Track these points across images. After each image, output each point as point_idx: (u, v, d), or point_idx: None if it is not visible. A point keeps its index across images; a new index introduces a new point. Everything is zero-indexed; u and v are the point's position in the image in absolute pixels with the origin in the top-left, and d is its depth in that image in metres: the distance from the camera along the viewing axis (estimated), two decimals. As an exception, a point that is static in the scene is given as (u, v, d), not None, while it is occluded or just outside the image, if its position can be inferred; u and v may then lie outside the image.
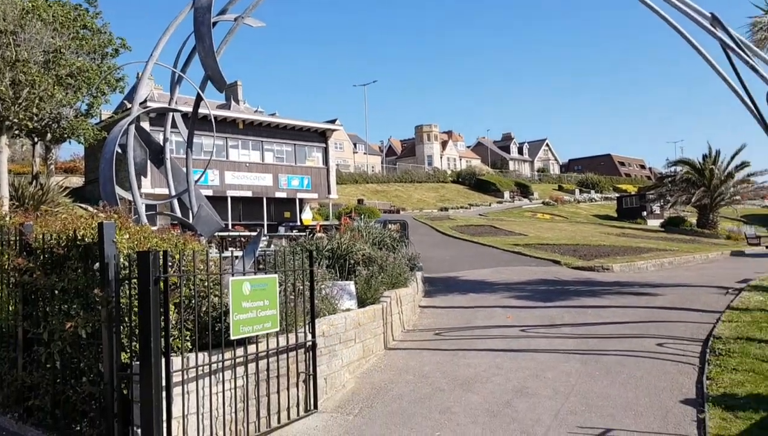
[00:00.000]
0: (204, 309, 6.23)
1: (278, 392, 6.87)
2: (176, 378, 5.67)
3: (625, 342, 9.79)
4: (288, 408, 6.99)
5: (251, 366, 6.54)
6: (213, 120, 9.75)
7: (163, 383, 5.44)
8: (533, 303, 13.14)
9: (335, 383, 8.10)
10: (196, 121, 9.84)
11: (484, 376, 8.29)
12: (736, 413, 6.53)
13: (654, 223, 54.05)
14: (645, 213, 58.62)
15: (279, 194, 40.30)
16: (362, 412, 7.27)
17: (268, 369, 6.76)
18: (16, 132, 21.92)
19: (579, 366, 8.56)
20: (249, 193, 38.98)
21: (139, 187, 8.92)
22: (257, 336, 6.65)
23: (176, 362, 5.68)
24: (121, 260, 5.82)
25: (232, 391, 6.25)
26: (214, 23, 9.48)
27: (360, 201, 57.11)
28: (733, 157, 47.33)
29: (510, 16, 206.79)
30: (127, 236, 6.25)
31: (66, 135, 26.13)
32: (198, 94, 9.06)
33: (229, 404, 6.22)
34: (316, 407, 7.39)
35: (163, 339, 5.50)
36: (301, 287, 7.62)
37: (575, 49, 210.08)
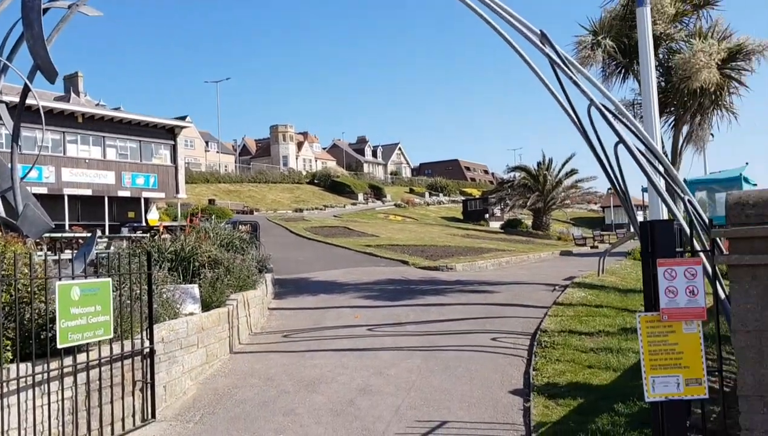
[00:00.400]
0: (28, 316, 5.79)
1: (112, 402, 6.54)
2: (-8, 393, 5.22)
3: (463, 338, 10.34)
4: (123, 418, 6.66)
5: (82, 376, 6.16)
6: (42, 112, 9.02)
7: (-24, 399, 4.99)
8: (381, 303, 13.49)
9: (176, 390, 7.82)
10: (26, 114, 9.05)
11: (329, 376, 8.40)
12: (557, 400, 7.14)
13: (495, 225, 57.52)
14: (487, 215, 62.29)
15: (122, 193, 38.05)
16: (203, 419, 7.09)
17: (100, 379, 6.40)
18: None
19: (420, 362, 8.92)
20: (89, 192, 36.43)
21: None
22: (88, 344, 6.28)
23: (-8, 375, 5.23)
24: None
25: (59, 403, 5.85)
26: (46, 9, 8.81)
27: (211, 201, 55.43)
28: (563, 165, 51.52)
29: (358, 23, 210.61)
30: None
31: None
32: (25, 84, 8.34)
33: (57, 417, 5.82)
34: (154, 416, 7.10)
35: (-24, 351, 5.04)
36: (139, 292, 7.29)
37: (427, 58, 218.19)
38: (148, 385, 7.11)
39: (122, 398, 6.69)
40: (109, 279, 6.59)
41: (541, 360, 8.73)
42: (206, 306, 9.64)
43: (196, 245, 10.90)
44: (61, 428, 5.82)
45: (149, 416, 7.08)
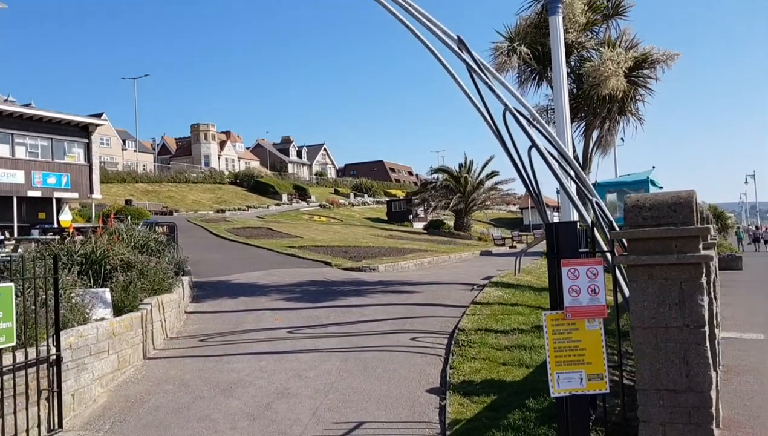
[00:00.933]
0: None
1: (15, 413, 6.23)
2: None
3: (383, 338, 10.43)
4: (27, 430, 6.36)
5: (-21, 387, 5.85)
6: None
7: None
8: (302, 305, 13.42)
9: (84, 398, 7.54)
10: None
11: (247, 380, 8.29)
12: (472, 398, 7.32)
13: (419, 225, 58.25)
14: (411, 216, 62.99)
15: (32, 193, 36.15)
16: (113, 427, 6.87)
17: (1, 389, 6.08)
18: None
19: (339, 364, 8.94)
20: (-6, 191, 34.47)
21: None
22: (-13, 353, 5.97)
23: None
24: None
25: (-46, 416, 5.53)
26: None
27: (128, 202, 53.55)
28: (483, 167, 52.67)
29: (283, 22, 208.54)
30: None
31: None
32: None
33: (-50, 431, 5.50)
34: (61, 426, 6.83)
35: None
36: (45, 297, 6.98)
37: (353, 59, 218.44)
38: (55, 394, 6.82)
39: (26, 409, 6.39)
40: (11, 284, 6.28)
41: (458, 359, 8.93)
42: (118, 311, 9.33)
43: (108, 248, 10.52)
44: (-45, 443, 5.51)
45: (56, 426, 6.79)
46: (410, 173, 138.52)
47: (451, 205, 51.41)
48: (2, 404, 6.08)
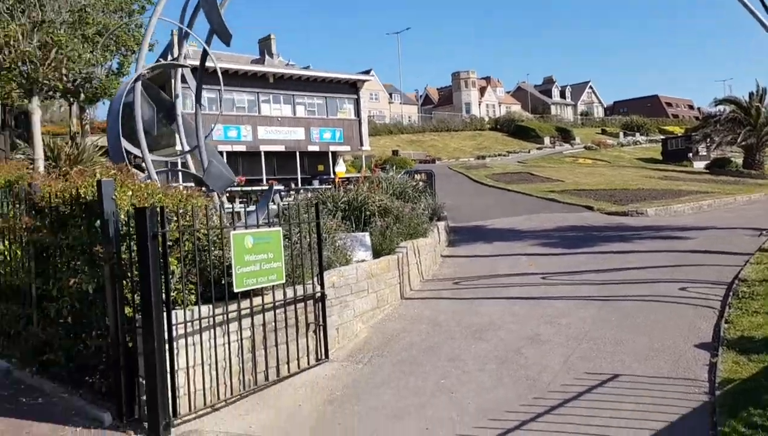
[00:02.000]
0: (209, 264, 6.32)
1: (287, 342, 6.97)
2: (181, 330, 5.80)
3: (647, 287, 9.59)
4: (298, 358, 7.09)
5: (258, 318, 6.62)
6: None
7: (165, 336, 5.56)
8: (559, 250, 12.95)
9: (347, 333, 8.17)
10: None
11: (498, 324, 8.25)
12: (750, 356, 6.37)
13: (699, 165, 52.36)
14: (690, 155, 56.76)
15: (311, 148, 40.28)
16: (372, 361, 7.34)
17: (275, 320, 6.84)
18: (48, 93, 22.29)
19: (595, 312, 8.43)
20: (282, 148, 39.08)
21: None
22: (263, 288, 6.72)
23: (179, 315, 5.79)
24: (122, 216, 5.90)
25: (239, 342, 6.36)
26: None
27: (395, 152, 56.77)
28: (781, 95, 45.19)
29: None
30: (130, 193, 6.32)
31: (99, 94, 26.47)
32: (204, 49, 9.01)
33: (237, 354, 6.34)
34: (327, 356, 7.49)
35: (163, 293, 5.60)
36: (309, 240, 7.65)
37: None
38: (320, 327, 7.49)
39: (296, 339, 7.11)
40: (279, 228, 6.96)
41: (736, 312, 7.83)
42: (377, 254, 9.90)
43: (367, 195, 11.19)
44: (241, 365, 6.34)
45: (323, 356, 7.48)
46: (690, 107, 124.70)
47: (738, 140, 45.19)
48: (276, 334, 6.84)
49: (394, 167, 25.76)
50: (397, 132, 69.96)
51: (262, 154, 38.22)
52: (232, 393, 6.25)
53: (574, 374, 6.41)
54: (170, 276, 5.87)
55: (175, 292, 5.90)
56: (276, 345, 6.82)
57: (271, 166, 39.07)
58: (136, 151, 8.50)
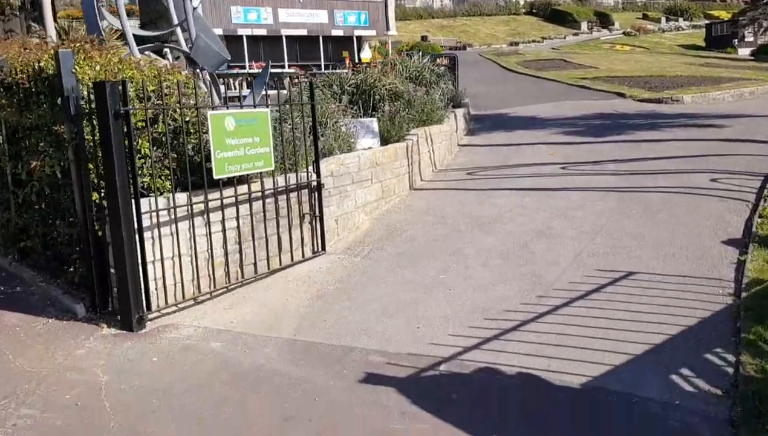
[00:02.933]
0: (189, 147, 5.80)
1: (278, 234, 6.53)
2: (155, 219, 5.36)
3: (674, 178, 8.86)
4: (291, 250, 6.67)
5: (244, 207, 6.15)
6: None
7: (135, 225, 5.13)
8: (583, 139, 12.13)
9: (348, 225, 7.71)
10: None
11: (507, 216, 7.69)
12: (783, 255, 5.75)
13: (745, 52, 49.31)
14: (735, 41, 53.38)
15: (335, 32, 38.56)
16: (371, 254, 6.90)
17: (264, 211, 6.37)
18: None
19: (615, 204, 7.79)
20: (304, 32, 37.49)
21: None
22: (249, 176, 6.21)
23: (151, 202, 5.34)
24: (85, 93, 5.32)
25: (222, 233, 5.92)
26: None
27: (424, 38, 54.47)
28: None
29: None
30: (98, 68, 5.69)
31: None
32: None
33: (221, 246, 5.93)
34: (324, 248, 7.06)
35: (131, 178, 5.11)
36: (302, 124, 7.03)
37: None
38: (317, 218, 7.02)
39: (289, 230, 6.66)
40: (267, 110, 6.33)
41: (772, 206, 7.13)
42: (385, 141, 9.26)
43: (378, 78, 10.38)
44: (224, 257, 5.93)
45: (319, 248, 7.05)
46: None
47: (789, 23, 42.13)
48: (266, 224, 6.38)
49: (421, 53, 24.57)
50: (427, 16, 67.04)
51: (284, 38, 36.79)
52: (215, 286, 5.89)
53: (583, 271, 5.90)
54: (145, 160, 5.37)
55: (149, 178, 5.42)
56: (265, 237, 6.39)
57: (293, 52, 37.68)
58: (116, 23, 7.81)
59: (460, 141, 12.58)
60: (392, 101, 9.93)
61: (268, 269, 6.41)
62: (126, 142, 5.06)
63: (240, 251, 6.15)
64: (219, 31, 35.09)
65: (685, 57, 43.30)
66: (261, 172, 6.27)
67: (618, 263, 6.05)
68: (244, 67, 34.23)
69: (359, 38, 39.66)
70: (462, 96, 14.73)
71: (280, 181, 6.54)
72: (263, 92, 8.13)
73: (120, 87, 5.05)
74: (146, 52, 7.91)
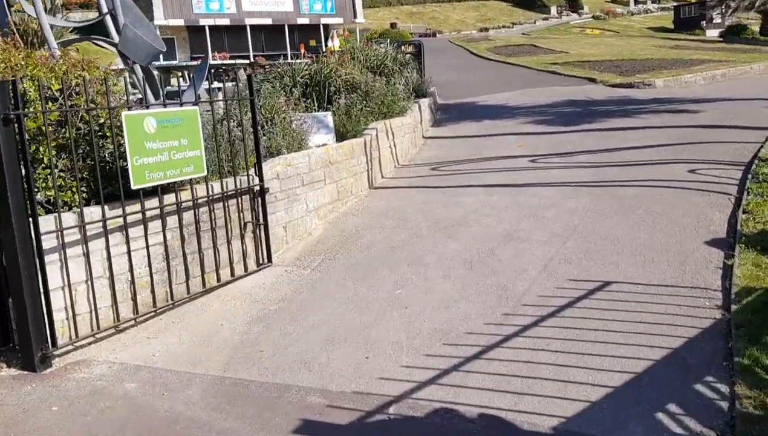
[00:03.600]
0: (106, 153, 5.07)
1: (214, 247, 5.82)
2: (58, 240, 4.62)
3: (650, 170, 8.30)
4: (231, 264, 5.97)
5: (172, 219, 5.43)
6: None
7: (34, 247, 4.38)
8: (553, 128, 11.54)
9: (298, 231, 7.01)
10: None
11: (472, 218, 7.05)
12: (774, 257, 5.20)
13: (713, 33, 49.34)
14: (704, 23, 53.42)
15: (301, 20, 37.57)
16: (321, 265, 6.22)
17: (196, 222, 5.65)
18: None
19: (588, 201, 7.20)
20: (269, 21, 36.49)
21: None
22: (176, 184, 5.48)
23: (56, 220, 4.59)
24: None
25: (146, 250, 5.18)
26: None
27: (393, 25, 53.74)
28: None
29: None
30: (-6, 66, 4.92)
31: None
32: None
33: (145, 265, 5.19)
34: (270, 260, 6.36)
35: (26, 193, 4.36)
36: (242, 122, 6.30)
37: None
38: (261, 227, 6.31)
39: (228, 243, 5.96)
40: (195, 108, 5.60)
41: (756, 199, 6.60)
42: (341, 136, 8.57)
43: (334, 68, 9.66)
44: (149, 278, 5.20)
45: (265, 260, 6.36)
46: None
47: (756, 4, 42.03)
48: (199, 237, 5.67)
49: (388, 41, 23.82)
50: (396, 3, 66.13)
51: (248, 28, 35.72)
52: (138, 312, 5.16)
53: (555, 282, 5.29)
54: (51, 171, 4.62)
55: (54, 191, 4.67)
56: (200, 251, 5.67)
57: (258, 42, 36.64)
58: (31, 11, 6.99)
59: (426, 133, 11.92)
60: (349, 93, 9.22)
61: (204, 287, 5.69)
62: (20, 151, 4.31)
63: (168, 269, 5.43)
64: (180, 22, 34.10)
65: (655, 39, 43.10)
66: (191, 179, 5.54)
67: (593, 270, 5.45)
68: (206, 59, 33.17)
69: (326, 26, 38.71)
70: (428, 85, 14.08)
71: (216, 187, 5.83)
72: (204, 86, 7.39)
73: (10, 87, 4.29)
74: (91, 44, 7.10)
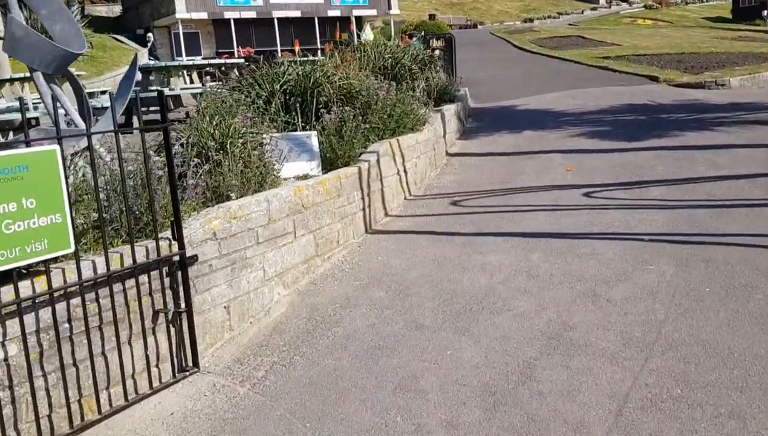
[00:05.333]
0: None
1: (103, 354, 3.78)
2: None
3: (759, 215, 5.94)
4: (133, 376, 3.93)
5: (27, 318, 3.39)
6: None
7: None
8: (611, 144, 9.16)
9: (251, 309, 4.89)
10: None
11: (501, 295, 4.82)
12: None
13: (778, 23, 45.51)
14: (765, 12, 49.47)
15: (332, 12, 35.57)
16: (268, 378, 4.11)
17: (69, 320, 3.61)
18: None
19: (674, 273, 4.89)
20: (298, 14, 34.57)
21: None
22: (29, 267, 3.45)
23: None
24: None
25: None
26: None
27: (432, 16, 51.23)
28: None
29: None
30: None
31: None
32: None
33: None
34: (196, 363, 4.29)
35: None
36: (145, 163, 4.21)
37: None
38: (181, 315, 4.24)
39: (129, 343, 3.92)
40: (54, 147, 3.52)
41: None
42: (330, 164, 6.44)
43: (328, 71, 7.49)
44: (-42, 431, 3.17)
45: (188, 364, 4.29)
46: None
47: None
48: (72, 344, 3.63)
49: (423, 34, 21.60)
50: (435, -6, 63.54)
51: (276, 21, 33.87)
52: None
53: (636, 454, 3.06)
54: None
55: None
56: (74, 364, 3.63)
57: (287, 36, 34.77)
58: None
59: (450, 148, 9.68)
60: (344, 104, 7.04)
61: (71, 427, 3.64)
62: None
63: (13, 401, 3.40)
64: (204, 15, 32.37)
65: (714, 30, 39.74)
66: (48, 260, 3.49)
67: (696, 421, 3.21)
68: (232, 55, 31.34)
69: (359, 18, 36.54)
70: (458, 86, 11.89)
71: (100, 265, 3.77)
72: (124, 105, 5.34)
73: None
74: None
